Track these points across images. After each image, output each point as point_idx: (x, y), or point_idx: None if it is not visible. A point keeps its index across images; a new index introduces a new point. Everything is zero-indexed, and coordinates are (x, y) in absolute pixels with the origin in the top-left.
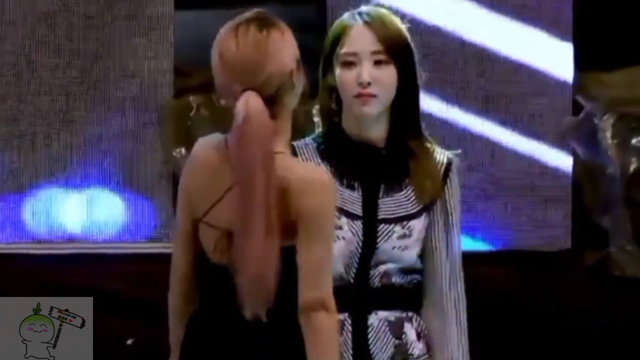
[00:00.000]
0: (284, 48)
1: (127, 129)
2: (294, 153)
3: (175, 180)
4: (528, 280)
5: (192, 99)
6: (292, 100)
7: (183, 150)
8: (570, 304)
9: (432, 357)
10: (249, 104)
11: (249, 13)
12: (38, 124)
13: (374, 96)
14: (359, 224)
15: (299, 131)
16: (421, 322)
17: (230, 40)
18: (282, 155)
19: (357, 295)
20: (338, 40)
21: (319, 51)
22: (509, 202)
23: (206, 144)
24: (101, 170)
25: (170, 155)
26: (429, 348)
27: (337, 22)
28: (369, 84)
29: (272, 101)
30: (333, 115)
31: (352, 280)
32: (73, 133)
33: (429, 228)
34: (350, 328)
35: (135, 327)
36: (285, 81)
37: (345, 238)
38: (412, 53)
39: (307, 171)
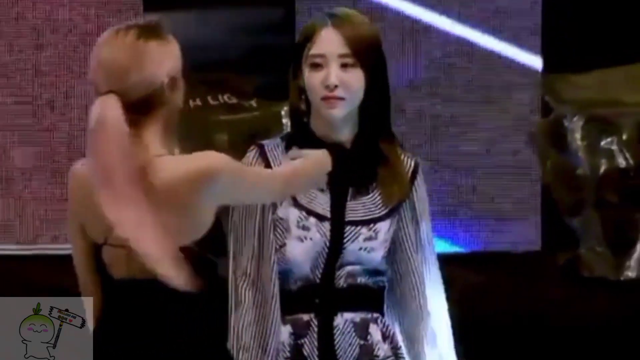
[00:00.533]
0: (158, 60)
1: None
2: (263, 152)
3: None
4: (498, 282)
5: None
6: (165, 114)
7: None
8: (540, 305)
9: (410, 354)
10: (103, 107)
11: (138, 20)
12: None
13: (341, 99)
14: (327, 226)
15: (267, 131)
16: (386, 323)
17: (107, 42)
18: (163, 157)
19: (323, 295)
20: (307, 41)
21: (287, 52)
22: (480, 205)
23: (83, 166)
24: None
25: None
26: (394, 349)
27: (307, 23)
28: (336, 86)
29: (138, 109)
30: (302, 116)
31: (318, 281)
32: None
33: (398, 231)
34: (315, 329)
35: None
36: (155, 92)
37: (312, 239)
38: (382, 56)
39: (189, 165)
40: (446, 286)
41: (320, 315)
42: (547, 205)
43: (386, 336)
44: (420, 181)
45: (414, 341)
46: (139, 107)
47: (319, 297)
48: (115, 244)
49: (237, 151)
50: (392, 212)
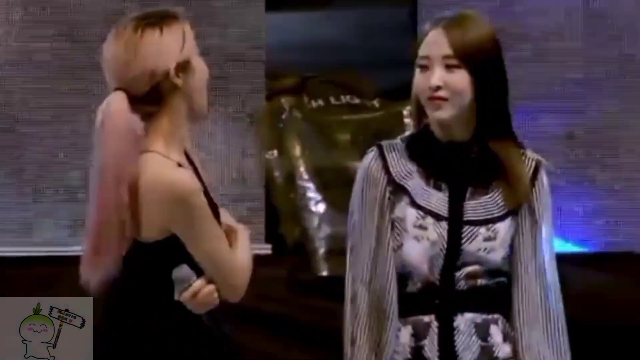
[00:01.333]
0: (155, 50)
1: (220, 131)
2: (382, 153)
3: (267, 180)
4: (620, 283)
5: (284, 100)
6: (179, 101)
7: (275, 152)
8: None
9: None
10: (109, 103)
11: (142, 12)
12: None
13: (445, 99)
14: (444, 225)
15: (389, 131)
16: (507, 325)
17: (109, 40)
18: (152, 154)
19: (443, 297)
20: (420, 43)
21: (409, 53)
22: (603, 203)
23: None
24: None
25: (263, 157)
26: (515, 351)
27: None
28: (439, 87)
29: (147, 101)
30: (422, 117)
31: (437, 282)
32: None
33: (515, 233)
34: (436, 330)
35: None
36: (161, 81)
37: (430, 239)
38: (492, 57)
39: (157, 176)
40: (565, 288)
41: (441, 316)
42: None
43: (507, 337)
44: (541, 183)
45: (528, 347)
46: (151, 99)
47: (439, 298)
48: None
49: (359, 151)
50: (511, 213)
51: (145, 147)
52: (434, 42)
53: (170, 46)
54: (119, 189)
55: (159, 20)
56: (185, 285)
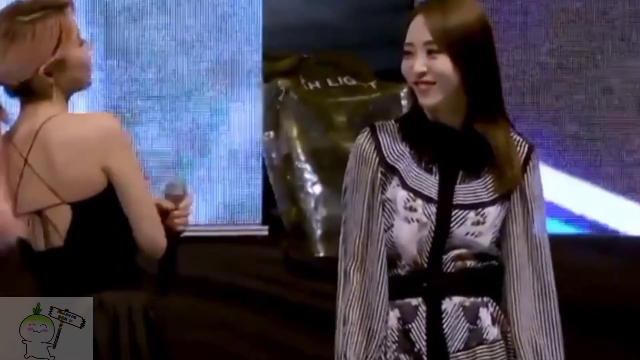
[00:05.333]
0: (23, 54)
1: (216, 113)
2: (374, 133)
3: (264, 162)
4: (619, 266)
5: (281, 82)
6: (54, 94)
7: (272, 133)
8: None
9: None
10: None
11: (15, 5)
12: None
13: (432, 83)
14: (433, 208)
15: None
16: (497, 307)
17: None
18: (60, 116)
19: (431, 280)
20: (406, 28)
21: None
22: (600, 185)
23: None
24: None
25: (261, 138)
26: (504, 332)
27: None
28: (423, 73)
29: (23, 92)
30: (416, 99)
31: (425, 265)
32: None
33: (507, 217)
34: (424, 314)
35: None
36: (31, 80)
37: (419, 221)
38: (477, 41)
39: (89, 124)
40: (561, 270)
41: (429, 299)
42: None
43: (496, 320)
44: (532, 167)
45: (521, 331)
46: (23, 91)
47: (427, 281)
48: (20, 213)
49: (355, 133)
50: (502, 198)
51: (38, 118)
52: (416, 28)
53: (38, 49)
54: None
55: (22, 28)
56: (179, 192)
